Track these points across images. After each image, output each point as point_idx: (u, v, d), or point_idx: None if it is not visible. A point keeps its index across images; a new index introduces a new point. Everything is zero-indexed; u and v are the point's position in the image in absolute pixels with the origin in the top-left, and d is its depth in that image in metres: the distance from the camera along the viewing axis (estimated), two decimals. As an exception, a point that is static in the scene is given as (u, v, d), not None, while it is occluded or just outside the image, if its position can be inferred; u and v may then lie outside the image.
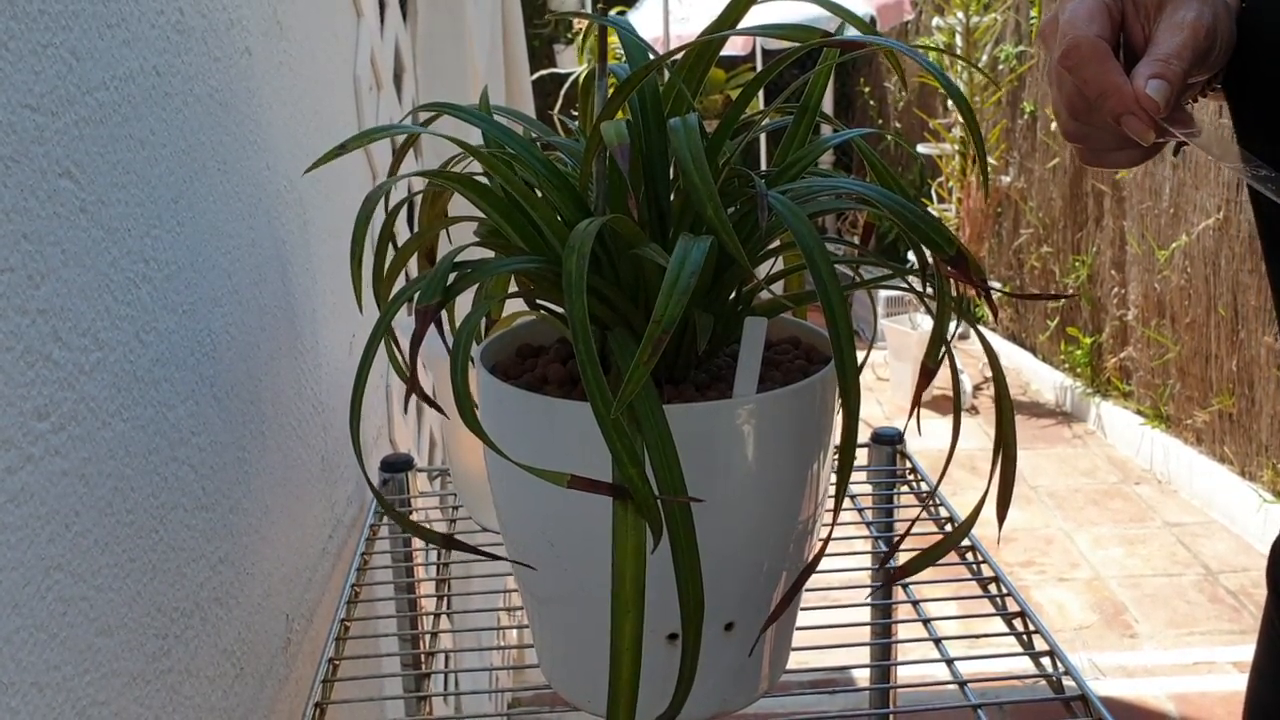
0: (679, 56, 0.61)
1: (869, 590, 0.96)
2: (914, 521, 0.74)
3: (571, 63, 5.48)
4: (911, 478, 1.01)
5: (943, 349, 0.59)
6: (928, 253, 0.56)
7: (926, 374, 0.58)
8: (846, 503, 1.00)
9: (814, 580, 0.60)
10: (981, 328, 0.67)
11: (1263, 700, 0.74)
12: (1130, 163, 0.64)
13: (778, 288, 0.68)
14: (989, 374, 0.65)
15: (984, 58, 4.49)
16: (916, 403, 0.59)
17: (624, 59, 0.65)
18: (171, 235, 0.62)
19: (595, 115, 0.59)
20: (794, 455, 0.60)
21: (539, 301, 0.65)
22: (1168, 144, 0.61)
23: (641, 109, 0.60)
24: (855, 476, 1.00)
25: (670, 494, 0.50)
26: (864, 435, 0.96)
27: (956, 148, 4.42)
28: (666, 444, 0.51)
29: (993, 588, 0.82)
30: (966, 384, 4.43)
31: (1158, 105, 0.57)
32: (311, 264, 0.91)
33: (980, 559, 0.85)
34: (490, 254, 0.63)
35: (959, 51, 4.39)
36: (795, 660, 0.70)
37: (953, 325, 0.59)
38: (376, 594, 0.94)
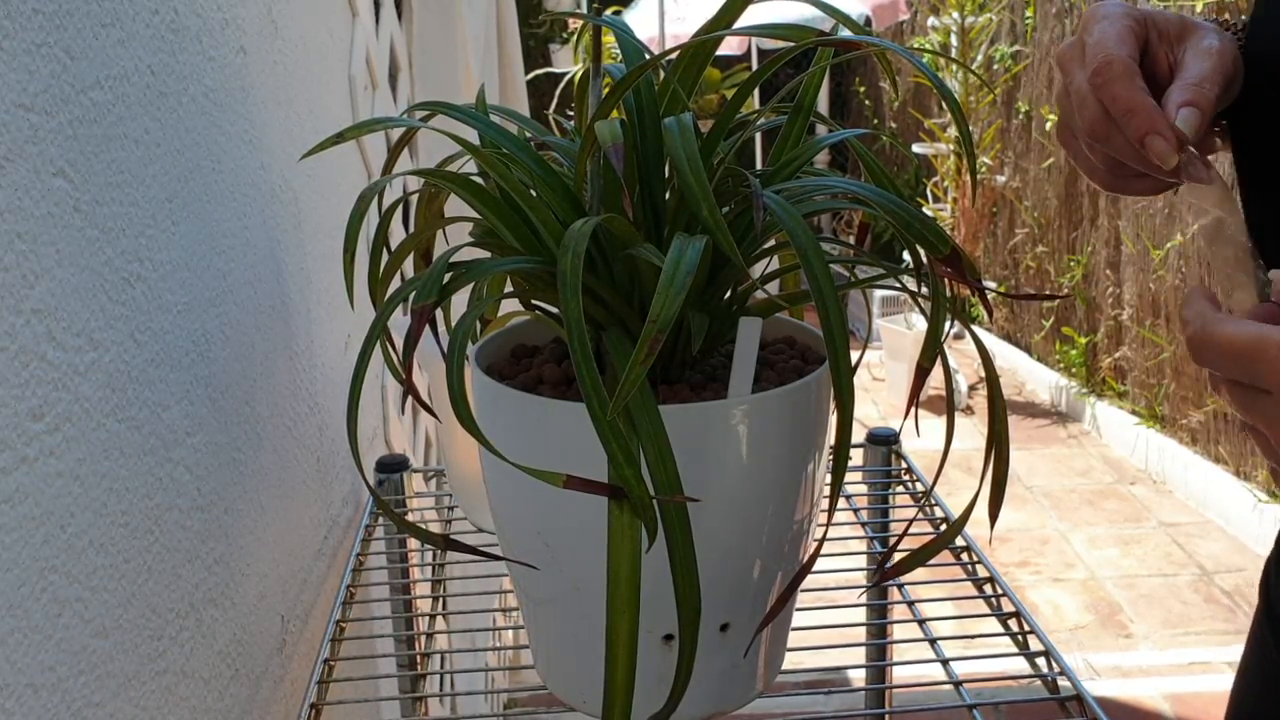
0: (674, 56, 0.61)
1: (864, 591, 0.96)
2: (911, 522, 0.74)
3: (567, 62, 5.48)
4: (907, 478, 1.01)
5: (937, 349, 0.59)
6: (923, 252, 0.56)
7: (921, 374, 0.58)
8: (842, 503, 1.00)
9: (809, 580, 0.60)
10: (976, 327, 0.67)
11: (1245, 701, 0.75)
12: (1148, 191, 0.63)
13: (773, 287, 0.68)
14: (984, 374, 0.66)
15: (979, 57, 4.49)
16: (912, 403, 0.59)
17: (619, 59, 0.66)
18: (166, 235, 0.62)
19: (590, 115, 0.59)
20: (789, 455, 0.60)
21: (534, 302, 0.65)
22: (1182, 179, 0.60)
23: (636, 108, 0.60)
24: (851, 477, 1.00)
25: (666, 494, 0.50)
26: (859, 435, 0.96)
27: (952, 147, 4.43)
28: (662, 444, 0.51)
29: (988, 588, 0.83)
30: (962, 384, 4.44)
31: (1184, 133, 0.56)
32: (307, 264, 0.91)
33: (975, 559, 0.85)
34: (486, 254, 0.63)
35: (955, 50, 4.39)
36: (791, 660, 0.70)
37: (948, 325, 0.59)
38: (372, 595, 0.94)
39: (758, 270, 0.63)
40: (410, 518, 1.00)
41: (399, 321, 0.64)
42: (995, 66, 4.64)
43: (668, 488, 0.50)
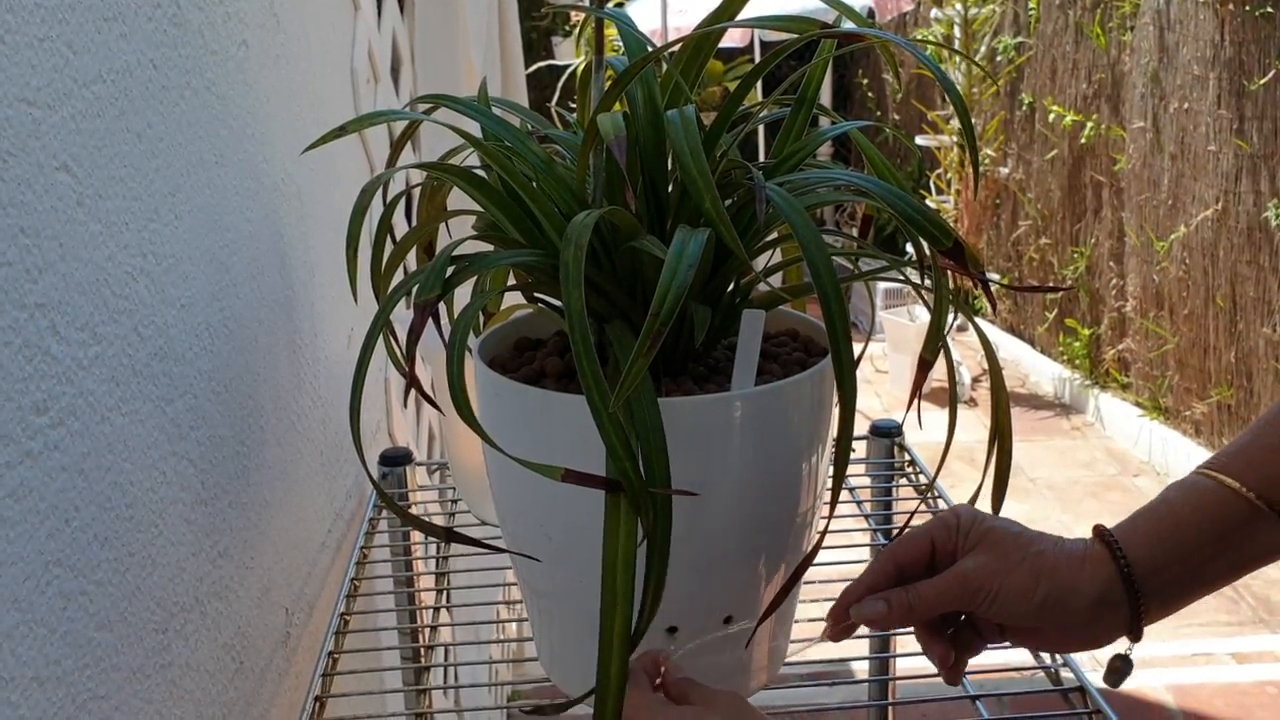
0: (677, 49, 0.61)
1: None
2: (913, 514, 0.74)
3: (569, 55, 5.47)
4: (910, 470, 1.01)
5: (940, 341, 0.59)
6: (926, 245, 0.56)
7: (924, 366, 0.58)
8: (845, 495, 1.00)
9: (812, 573, 0.60)
10: (979, 320, 0.67)
11: None
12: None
13: (776, 280, 0.68)
14: (987, 366, 0.66)
15: (982, 49, 4.48)
16: (915, 395, 0.59)
17: (622, 51, 0.65)
18: (169, 229, 0.62)
19: (593, 108, 0.59)
20: (792, 448, 0.60)
21: (537, 295, 0.65)
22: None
23: (639, 101, 0.60)
24: (854, 469, 1.00)
25: (658, 486, 0.50)
26: (863, 428, 0.96)
27: (955, 139, 4.42)
28: (658, 438, 0.51)
29: (991, 579, 0.82)
30: (965, 376, 4.44)
31: (854, 615, 0.62)
32: (310, 257, 0.91)
33: (978, 551, 0.85)
34: (488, 247, 0.63)
35: (958, 42, 4.38)
36: (794, 652, 0.70)
37: (951, 317, 0.59)
38: (376, 588, 0.94)
39: (761, 263, 0.63)
40: (414, 511, 1.00)
41: (402, 315, 0.64)
42: (998, 58, 4.63)
43: (662, 481, 0.50)
